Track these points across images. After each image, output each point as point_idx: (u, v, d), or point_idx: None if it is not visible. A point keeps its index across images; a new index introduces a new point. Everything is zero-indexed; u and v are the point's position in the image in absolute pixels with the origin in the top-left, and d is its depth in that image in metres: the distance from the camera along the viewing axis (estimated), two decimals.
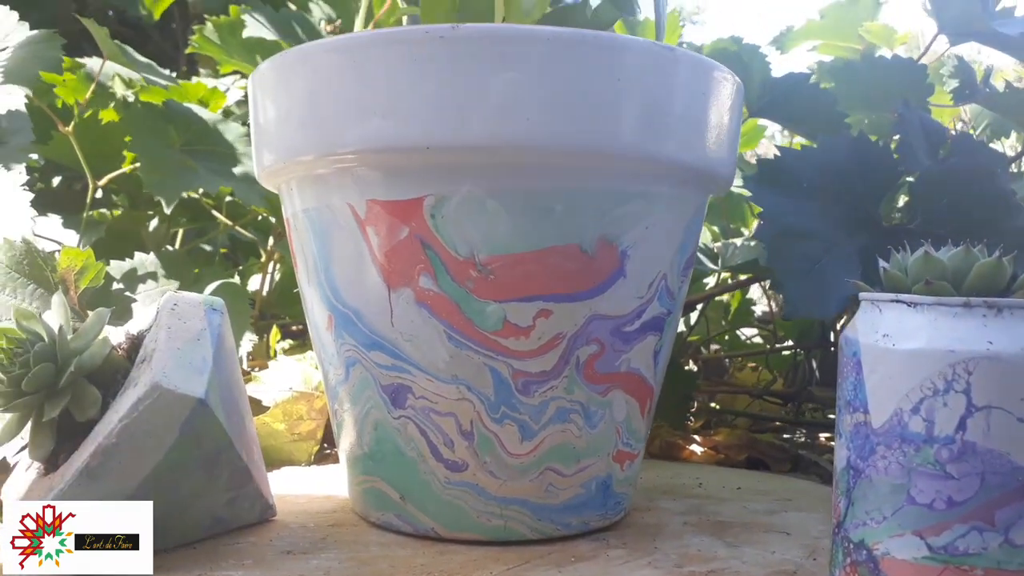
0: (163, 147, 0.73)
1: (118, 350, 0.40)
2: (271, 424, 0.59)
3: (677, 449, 0.67)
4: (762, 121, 0.83)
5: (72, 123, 0.72)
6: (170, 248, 0.81)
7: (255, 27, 0.71)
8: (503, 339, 0.38)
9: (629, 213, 0.38)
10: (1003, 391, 0.29)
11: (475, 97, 0.35)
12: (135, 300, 0.62)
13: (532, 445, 0.40)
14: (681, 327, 0.80)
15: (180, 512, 0.39)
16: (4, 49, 0.60)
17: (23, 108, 0.59)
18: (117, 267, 0.67)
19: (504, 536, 0.41)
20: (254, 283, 0.91)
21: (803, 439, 0.78)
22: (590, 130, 0.36)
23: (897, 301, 0.32)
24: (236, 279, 0.79)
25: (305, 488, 0.52)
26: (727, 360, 0.93)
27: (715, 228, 0.95)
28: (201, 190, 0.81)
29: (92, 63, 0.84)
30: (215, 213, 0.86)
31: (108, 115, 0.81)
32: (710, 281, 0.84)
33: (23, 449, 0.40)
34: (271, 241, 0.86)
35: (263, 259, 0.88)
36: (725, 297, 0.93)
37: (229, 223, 0.86)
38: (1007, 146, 0.98)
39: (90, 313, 0.40)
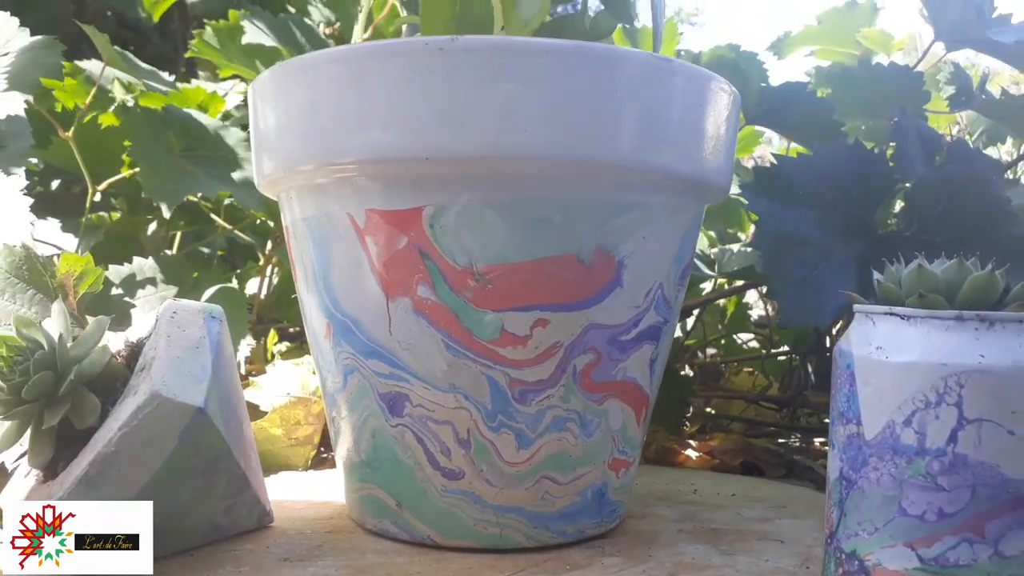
0: (163, 152, 0.74)
1: (117, 358, 0.41)
2: (269, 429, 0.59)
3: (672, 454, 0.67)
4: (759, 127, 0.83)
5: (72, 128, 0.72)
6: (168, 252, 0.81)
7: (254, 33, 0.71)
8: (500, 348, 0.38)
9: (626, 223, 0.39)
10: (994, 404, 0.29)
11: (474, 108, 0.35)
12: (134, 305, 0.62)
13: (528, 453, 0.40)
14: (677, 332, 0.81)
15: (178, 519, 0.39)
16: (6, 55, 0.60)
17: (22, 113, 0.59)
18: (116, 272, 0.68)
19: (500, 544, 0.41)
20: (252, 286, 0.91)
21: (798, 444, 0.78)
22: (588, 141, 0.36)
23: (891, 314, 0.32)
24: (234, 283, 0.79)
25: (302, 494, 0.52)
26: (723, 365, 0.94)
27: (712, 233, 0.95)
28: (200, 193, 0.81)
29: (92, 67, 0.84)
30: (213, 216, 0.86)
31: (108, 119, 0.82)
32: (707, 286, 0.84)
33: (22, 456, 0.41)
34: (269, 245, 0.87)
35: (261, 263, 0.88)
36: (721, 301, 0.93)
37: (228, 226, 0.86)
38: (1003, 152, 0.99)
39: (89, 319, 0.40)
